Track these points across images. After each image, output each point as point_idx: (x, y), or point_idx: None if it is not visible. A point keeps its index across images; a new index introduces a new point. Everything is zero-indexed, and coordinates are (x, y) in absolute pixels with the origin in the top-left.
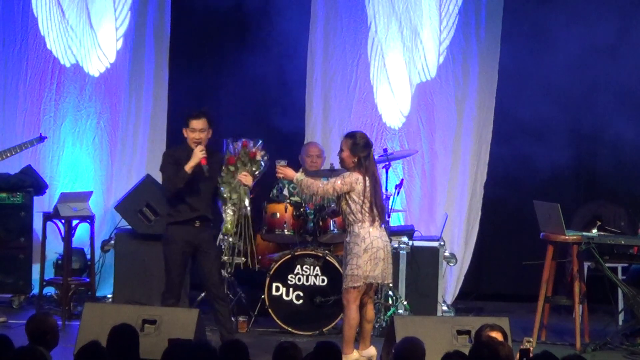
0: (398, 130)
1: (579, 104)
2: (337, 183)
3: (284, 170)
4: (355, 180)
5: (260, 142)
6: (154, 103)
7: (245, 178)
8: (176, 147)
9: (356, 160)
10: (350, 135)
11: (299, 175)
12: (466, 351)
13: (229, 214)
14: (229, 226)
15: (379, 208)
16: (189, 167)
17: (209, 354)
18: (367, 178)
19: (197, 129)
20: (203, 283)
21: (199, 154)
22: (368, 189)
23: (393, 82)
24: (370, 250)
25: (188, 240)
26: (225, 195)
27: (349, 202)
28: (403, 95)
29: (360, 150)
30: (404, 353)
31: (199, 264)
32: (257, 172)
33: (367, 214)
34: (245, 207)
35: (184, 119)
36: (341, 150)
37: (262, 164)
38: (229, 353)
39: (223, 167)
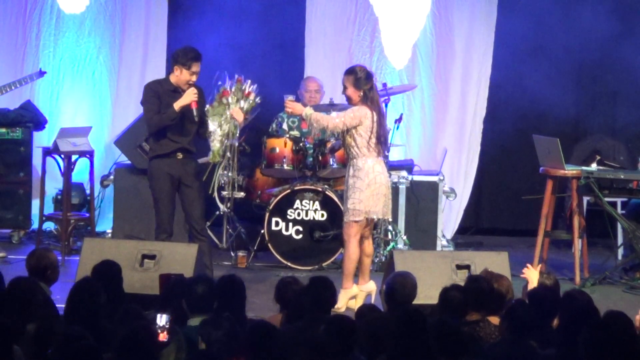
0: (397, 66)
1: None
2: (348, 117)
3: (292, 105)
4: (364, 115)
5: (250, 82)
6: (153, 38)
7: (237, 113)
8: (157, 81)
9: (362, 94)
10: (350, 71)
11: (307, 110)
12: None
13: (216, 145)
14: (217, 154)
15: (381, 139)
16: (178, 106)
17: (207, 289)
18: (374, 113)
19: (196, 72)
20: (185, 217)
21: (192, 96)
22: (375, 124)
23: (392, 16)
24: (373, 186)
25: (170, 173)
26: (213, 127)
27: (355, 135)
28: (402, 29)
29: (363, 83)
30: (395, 287)
31: (182, 198)
32: (247, 113)
33: (372, 148)
34: (236, 137)
35: (184, 58)
36: (345, 88)
37: (255, 106)
38: (225, 288)
39: (215, 99)
